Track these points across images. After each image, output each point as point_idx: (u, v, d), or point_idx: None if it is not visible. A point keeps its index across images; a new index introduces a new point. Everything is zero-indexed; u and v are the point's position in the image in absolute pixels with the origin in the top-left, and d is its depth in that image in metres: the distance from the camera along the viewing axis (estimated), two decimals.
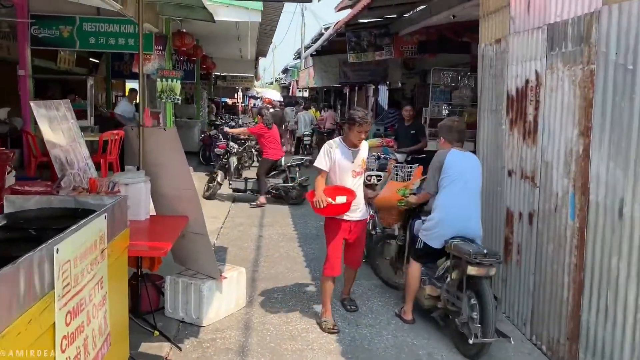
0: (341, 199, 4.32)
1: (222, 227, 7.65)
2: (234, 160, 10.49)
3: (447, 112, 12.32)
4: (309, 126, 17.13)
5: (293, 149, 17.50)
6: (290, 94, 36.10)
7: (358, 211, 4.51)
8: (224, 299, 4.52)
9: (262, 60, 28.65)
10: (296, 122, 17.92)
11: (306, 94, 35.40)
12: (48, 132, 4.50)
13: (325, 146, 4.51)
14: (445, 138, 4.51)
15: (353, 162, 4.44)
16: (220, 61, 20.48)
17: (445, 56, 12.81)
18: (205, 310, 4.35)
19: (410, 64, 18.03)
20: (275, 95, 36.97)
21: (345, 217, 4.45)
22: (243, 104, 35.19)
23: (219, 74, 25.68)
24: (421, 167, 5.48)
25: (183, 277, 4.43)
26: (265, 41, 17.01)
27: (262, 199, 9.25)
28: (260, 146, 10.16)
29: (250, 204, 9.26)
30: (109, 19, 9.67)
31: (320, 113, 26.34)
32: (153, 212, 4.55)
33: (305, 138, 16.75)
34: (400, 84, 19.76)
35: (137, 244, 3.46)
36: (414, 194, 4.82)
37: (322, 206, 4.22)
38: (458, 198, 4.19)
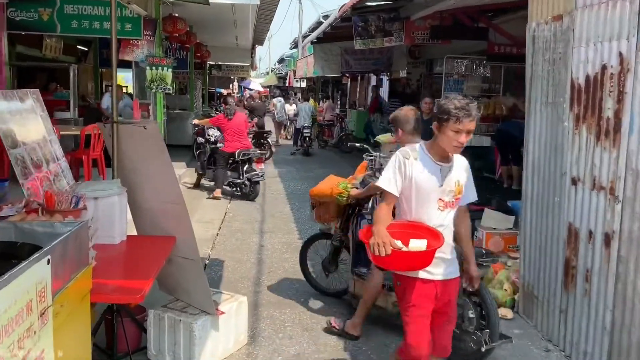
0: (418, 244, 2.68)
1: (217, 234, 6.77)
2: (207, 150, 9.79)
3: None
4: (310, 117, 16.22)
5: (278, 140, 16.74)
6: (287, 85, 35.11)
7: (445, 264, 2.84)
8: (221, 338, 3.64)
9: (258, 50, 27.62)
10: (296, 114, 17.00)
11: (304, 85, 34.45)
12: (7, 128, 3.63)
13: (398, 155, 2.91)
14: (403, 129, 3.91)
15: (442, 185, 2.81)
16: (215, 50, 19.47)
17: (459, 44, 11.87)
18: (198, 352, 3.47)
19: (416, 53, 17.11)
20: (256, 86, 35.82)
21: (426, 275, 2.78)
22: (238, 95, 34.17)
23: (213, 63, 24.65)
24: (365, 161, 4.88)
25: (170, 312, 3.54)
26: (262, 28, 16.02)
27: (217, 192, 8.91)
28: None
29: (207, 195, 9.02)
30: (93, 0, 8.72)
31: (319, 104, 25.48)
32: (133, 231, 3.66)
33: (305, 130, 15.85)
34: (405, 74, 18.88)
35: (105, 284, 2.57)
36: (357, 188, 4.31)
37: (384, 253, 2.57)
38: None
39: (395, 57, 17.06)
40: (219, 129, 9.79)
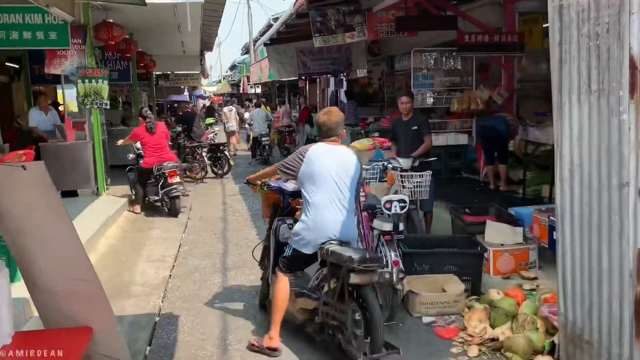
0: None
1: (170, 275, 5.59)
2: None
3: (432, 100, 10.56)
4: (265, 124, 15.14)
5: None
6: (241, 91, 33.84)
7: None
8: None
9: (208, 56, 26.32)
10: (250, 124, 15.84)
11: (259, 90, 33.26)
12: None
13: None
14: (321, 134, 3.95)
15: None
16: (161, 58, 18.08)
17: (424, 36, 11.01)
18: None
19: (376, 49, 16.21)
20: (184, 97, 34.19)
21: None
22: (190, 105, 32.67)
23: (160, 73, 23.18)
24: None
25: None
26: (210, 32, 14.80)
27: (136, 207, 8.57)
28: None
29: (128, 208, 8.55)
30: (9, 7, 7.51)
31: (276, 109, 24.34)
32: (36, 323, 2.48)
33: (264, 138, 14.76)
34: (365, 72, 17.95)
35: None
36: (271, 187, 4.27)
37: None
38: (330, 200, 3.71)
39: (355, 55, 16.09)
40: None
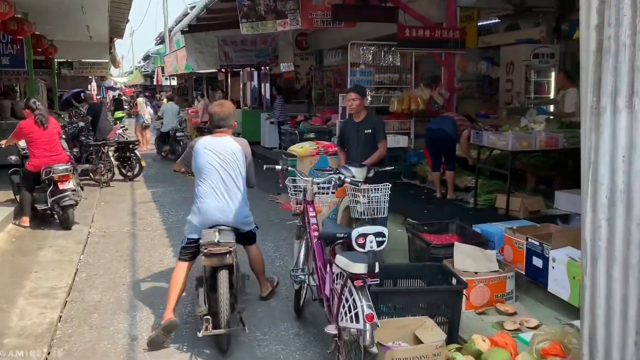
0: None
1: (60, 318, 4.30)
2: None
3: (369, 98, 9.71)
4: (176, 119, 13.83)
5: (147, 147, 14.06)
6: (155, 83, 31.74)
7: None
8: None
9: (119, 44, 24.21)
10: (160, 117, 14.39)
11: (174, 82, 31.33)
12: None
13: None
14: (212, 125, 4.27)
15: None
16: (64, 44, 16.16)
17: (360, 30, 10.17)
18: None
19: (304, 42, 15.27)
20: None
21: None
22: (99, 97, 30.18)
23: (63, 60, 20.97)
24: None
25: None
26: (120, 15, 13.20)
27: (24, 219, 7.04)
28: None
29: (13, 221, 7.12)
30: None
31: (194, 104, 22.81)
32: None
33: (178, 134, 13.48)
34: (291, 67, 16.96)
35: None
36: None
37: None
38: (214, 188, 4.02)
39: (281, 47, 15.08)
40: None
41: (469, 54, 10.04)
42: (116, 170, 10.53)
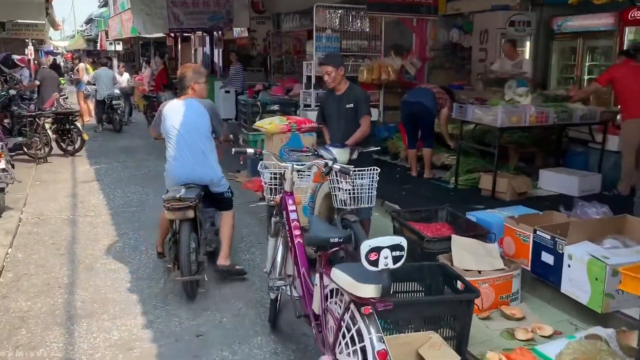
0: None
1: None
2: None
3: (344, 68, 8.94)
4: (112, 86, 12.79)
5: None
6: (99, 49, 29.82)
7: None
8: None
9: (59, 6, 22.26)
10: (92, 83, 13.21)
11: (119, 48, 29.46)
12: None
13: None
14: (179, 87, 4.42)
15: None
16: None
17: None
18: None
19: (261, 5, 14.26)
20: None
21: None
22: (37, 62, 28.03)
23: None
24: None
25: None
26: None
27: None
28: None
29: None
30: None
31: (141, 71, 21.47)
32: None
33: (114, 102, 12.46)
34: (245, 31, 15.94)
35: None
36: None
37: None
38: (178, 150, 4.17)
39: (236, 10, 13.99)
40: None
41: (437, 21, 9.42)
42: (55, 145, 9.42)
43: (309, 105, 8.55)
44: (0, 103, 9.57)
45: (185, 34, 17.19)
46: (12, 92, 9.97)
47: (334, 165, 3.29)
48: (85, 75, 15.18)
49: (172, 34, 17.49)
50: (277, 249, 3.39)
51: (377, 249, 2.09)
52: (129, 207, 6.38)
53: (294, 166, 3.26)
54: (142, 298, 4.02)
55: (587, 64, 9.52)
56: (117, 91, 12.94)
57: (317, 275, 2.71)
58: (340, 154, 4.11)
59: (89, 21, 37.94)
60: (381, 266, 2.10)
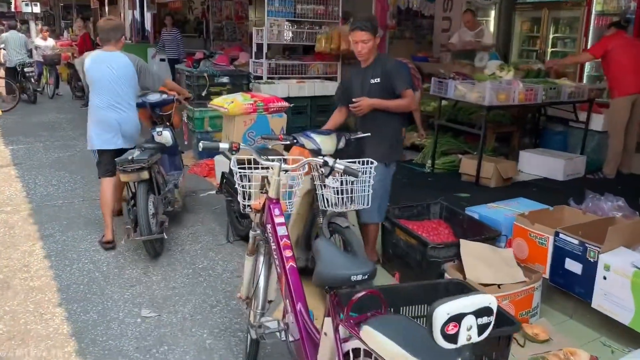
0: None
1: None
2: None
3: (290, 34, 8.08)
4: (25, 51, 11.44)
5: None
6: (14, 10, 27.14)
7: None
8: None
9: None
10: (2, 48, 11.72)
11: (37, 10, 26.92)
12: None
13: None
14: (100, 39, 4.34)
15: None
16: None
17: None
18: None
19: None
20: None
21: None
22: None
23: None
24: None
25: None
26: None
27: None
28: None
29: None
30: None
31: (62, 35, 19.61)
32: None
33: (26, 69, 11.12)
34: None
35: None
36: None
37: None
38: (108, 99, 4.18)
39: None
40: None
41: None
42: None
43: (260, 78, 7.67)
44: None
45: None
46: None
47: (336, 165, 2.49)
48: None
49: None
50: (258, 271, 2.60)
51: (459, 318, 1.36)
52: (54, 200, 5.34)
53: (281, 166, 2.45)
54: (77, 328, 3.13)
55: (551, 35, 9.13)
56: (29, 58, 11.47)
57: (328, 321, 1.97)
58: (325, 142, 3.34)
59: None
60: (462, 341, 1.38)
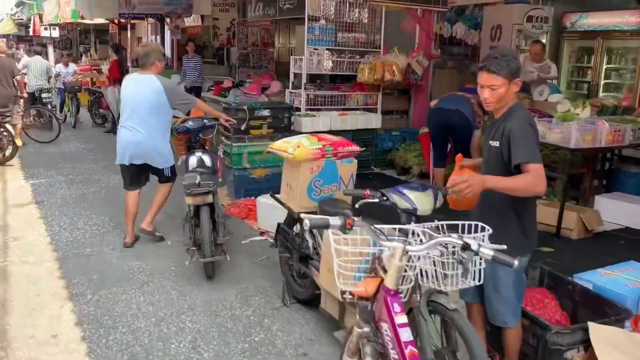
0: None
1: None
2: None
3: (331, 63, 7.59)
4: (45, 78, 11.05)
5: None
6: (32, 34, 27.06)
7: None
8: None
9: None
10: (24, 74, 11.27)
11: (55, 34, 26.83)
12: None
13: None
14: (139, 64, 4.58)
15: None
16: None
17: None
18: None
19: None
20: None
21: None
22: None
23: None
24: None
25: None
26: None
27: None
28: None
29: None
30: None
31: (81, 60, 19.35)
32: None
33: (44, 95, 10.72)
34: (198, 20, 14.37)
35: None
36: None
37: None
38: (128, 119, 4.47)
39: None
40: None
41: (441, 14, 8.22)
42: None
43: (298, 109, 7.16)
44: None
45: (133, 21, 15.31)
46: None
47: (482, 250, 1.91)
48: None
49: (116, 20, 15.59)
50: None
51: None
52: (81, 247, 4.78)
53: (406, 246, 1.87)
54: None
55: (604, 66, 8.59)
56: (47, 83, 11.06)
57: None
58: (422, 201, 2.77)
59: (20, 4, 34.64)
60: None
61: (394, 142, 7.47)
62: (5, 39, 30.57)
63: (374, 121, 7.41)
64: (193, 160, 4.52)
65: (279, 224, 3.89)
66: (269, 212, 5.29)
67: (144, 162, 4.57)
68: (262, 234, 5.27)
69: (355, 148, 3.55)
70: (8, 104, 8.12)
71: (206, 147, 4.96)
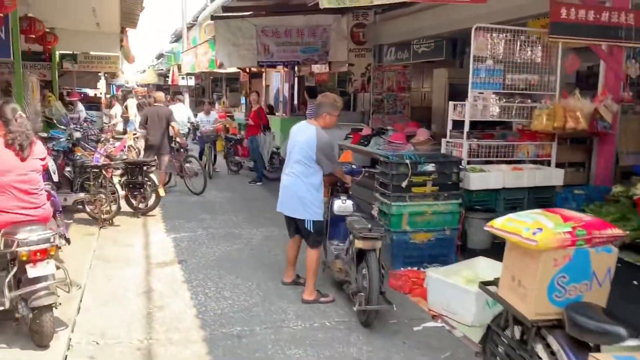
0: None
1: None
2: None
3: (497, 109, 6.62)
4: (187, 124, 11.59)
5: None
6: (171, 83, 28.83)
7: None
8: None
9: (132, 35, 21.11)
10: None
11: (191, 82, 28.38)
12: None
13: None
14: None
15: None
16: (67, 33, 13.32)
17: (483, 7, 7.00)
18: None
19: (361, 35, 12.19)
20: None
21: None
22: (109, 96, 27.21)
23: (68, 52, 18.00)
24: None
25: None
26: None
27: None
28: None
29: None
30: None
31: (213, 107, 19.86)
32: None
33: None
34: (325, 67, 14.06)
35: None
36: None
37: None
38: (285, 166, 4.72)
39: (333, 41, 12.04)
40: None
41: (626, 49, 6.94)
42: (123, 202, 7.43)
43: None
44: (62, 148, 7.77)
45: (267, 68, 15.38)
46: (77, 134, 8.17)
47: None
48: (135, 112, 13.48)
49: (247, 69, 15.78)
50: None
51: None
52: (230, 325, 4.13)
53: None
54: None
55: None
56: (184, 129, 11.17)
57: None
58: None
59: (160, 56, 37.48)
60: None
61: (578, 202, 6.23)
62: (146, 88, 32.98)
63: (554, 177, 6.24)
64: (342, 204, 4.75)
65: (488, 326, 2.93)
66: (440, 291, 4.40)
67: (285, 210, 4.66)
68: (433, 317, 4.36)
69: (617, 231, 2.52)
70: (160, 155, 8.22)
71: (350, 193, 5.01)
